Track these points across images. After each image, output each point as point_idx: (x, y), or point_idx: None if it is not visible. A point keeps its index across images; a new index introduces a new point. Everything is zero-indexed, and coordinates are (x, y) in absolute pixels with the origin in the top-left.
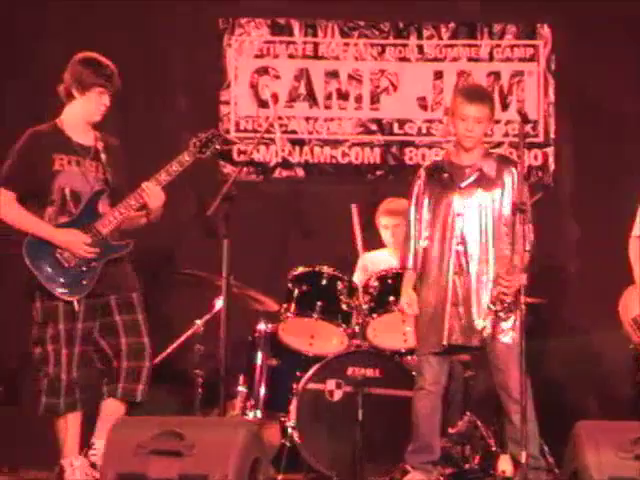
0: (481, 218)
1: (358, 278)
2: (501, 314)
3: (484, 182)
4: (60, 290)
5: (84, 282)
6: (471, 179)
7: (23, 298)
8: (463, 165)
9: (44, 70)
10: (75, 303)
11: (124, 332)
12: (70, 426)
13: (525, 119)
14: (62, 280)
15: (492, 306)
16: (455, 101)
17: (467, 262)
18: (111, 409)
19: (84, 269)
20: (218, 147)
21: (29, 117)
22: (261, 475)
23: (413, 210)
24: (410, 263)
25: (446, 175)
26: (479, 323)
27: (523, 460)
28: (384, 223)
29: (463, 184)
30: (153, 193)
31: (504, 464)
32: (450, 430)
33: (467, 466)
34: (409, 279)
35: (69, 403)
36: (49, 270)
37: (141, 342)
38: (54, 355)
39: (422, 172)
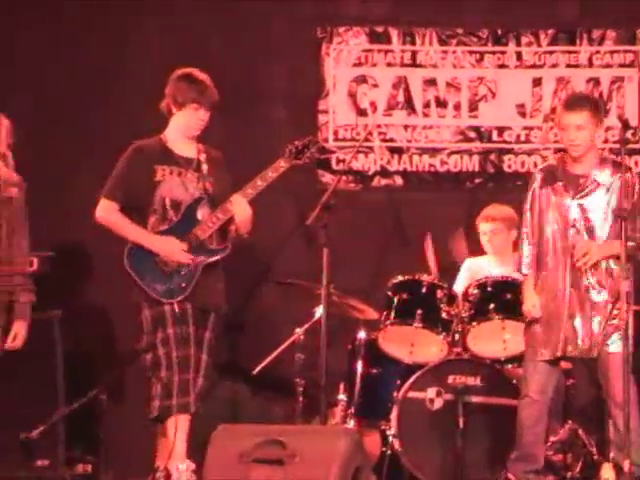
0: (595, 229)
1: (462, 284)
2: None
3: (598, 192)
4: (161, 293)
5: (183, 285)
6: (585, 191)
7: (132, 310)
8: (577, 174)
9: (148, 85)
10: (175, 305)
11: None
12: (179, 429)
13: (626, 125)
14: (163, 284)
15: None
16: (557, 112)
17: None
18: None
19: (183, 273)
20: (314, 153)
21: (135, 131)
22: None
23: (528, 215)
24: (527, 268)
25: (560, 184)
26: (594, 334)
27: (626, 468)
28: (482, 229)
29: (578, 196)
30: (239, 205)
31: (607, 472)
32: (552, 438)
33: (569, 474)
34: (530, 282)
35: (181, 404)
36: (150, 275)
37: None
38: (165, 358)
39: (537, 176)
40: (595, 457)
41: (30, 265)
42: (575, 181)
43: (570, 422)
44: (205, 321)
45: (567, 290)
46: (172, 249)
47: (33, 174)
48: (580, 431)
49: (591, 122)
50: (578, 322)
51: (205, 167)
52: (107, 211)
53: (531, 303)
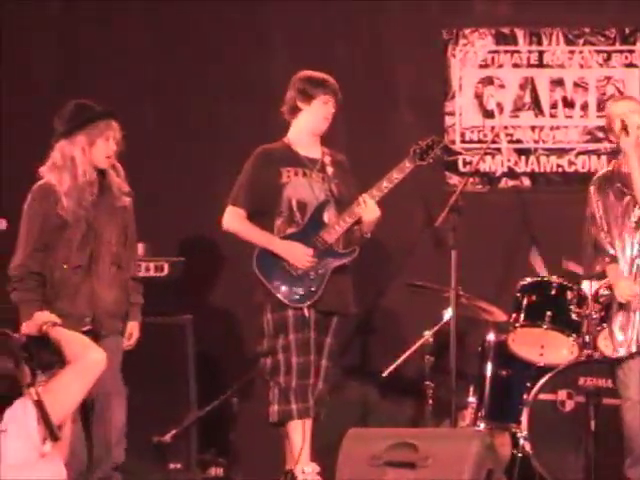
0: None
1: (592, 285)
2: None
3: None
4: (290, 298)
5: (312, 289)
6: None
7: (256, 312)
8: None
9: (268, 89)
10: (305, 310)
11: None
12: (302, 432)
13: None
14: (291, 288)
15: None
16: None
17: None
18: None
19: (312, 276)
20: (439, 153)
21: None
22: None
23: (589, 221)
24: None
25: (618, 185)
26: None
27: None
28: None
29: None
30: (368, 207)
31: None
32: None
33: None
34: (615, 269)
35: (301, 409)
36: (278, 279)
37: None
38: (285, 363)
39: (594, 182)
40: None
41: (161, 270)
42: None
43: None
44: (327, 326)
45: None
46: (297, 254)
47: (162, 179)
48: None
49: None
50: None
51: (330, 169)
52: (234, 218)
53: (628, 286)
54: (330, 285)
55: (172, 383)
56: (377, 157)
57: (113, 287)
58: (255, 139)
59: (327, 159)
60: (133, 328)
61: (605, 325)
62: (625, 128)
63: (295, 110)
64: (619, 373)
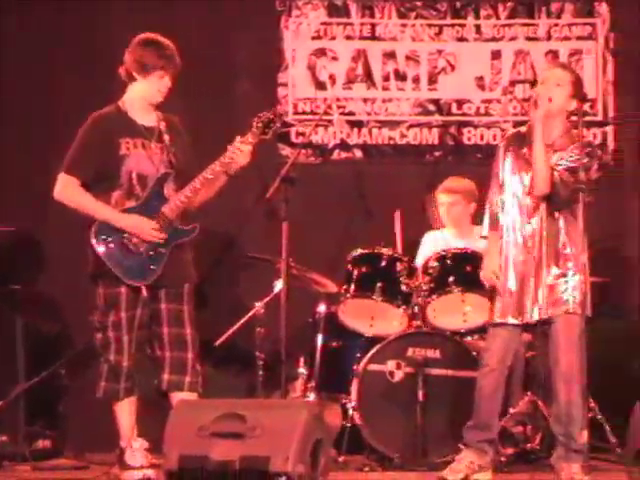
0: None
1: (422, 257)
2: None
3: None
4: (129, 275)
5: (152, 267)
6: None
7: (88, 284)
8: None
9: (107, 52)
10: (143, 289)
11: (167, 322)
12: (128, 410)
13: (584, 97)
14: (130, 266)
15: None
16: None
17: (540, 238)
18: None
19: (152, 254)
20: (278, 127)
21: (92, 100)
22: (323, 456)
23: (494, 179)
24: (487, 229)
25: (525, 150)
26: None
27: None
28: (441, 201)
29: None
30: (244, 150)
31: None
32: (511, 410)
33: (528, 446)
34: (490, 244)
35: (128, 388)
36: (117, 256)
37: (183, 333)
38: (115, 342)
39: (503, 142)
40: None
41: None
42: None
43: (530, 394)
44: (180, 296)
45: (530, 254)
46: (144, 229)
47: None
48: (540, 403)
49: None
50: (535, 288)
51: (167, 137)
52: (67, 187)
53: (491, 269)
54: (171, 263)
55: None
56: (213, 125)
57: None
58: (98, 107)
59: (162, 125)
60: None
61: (434, 297)
62: (535, 102)
63: (131, 77)
64: (487, 337)
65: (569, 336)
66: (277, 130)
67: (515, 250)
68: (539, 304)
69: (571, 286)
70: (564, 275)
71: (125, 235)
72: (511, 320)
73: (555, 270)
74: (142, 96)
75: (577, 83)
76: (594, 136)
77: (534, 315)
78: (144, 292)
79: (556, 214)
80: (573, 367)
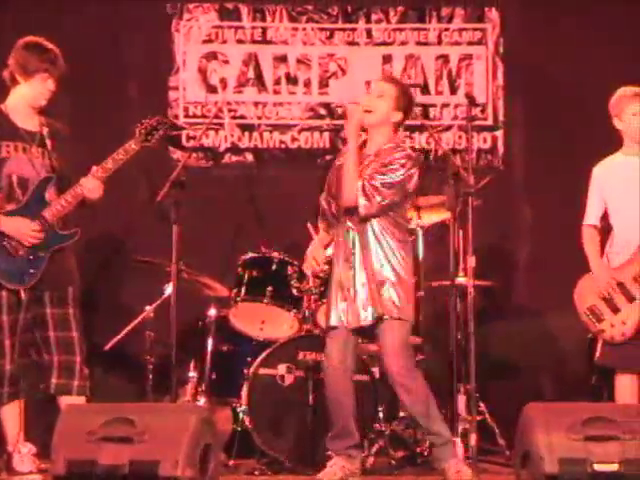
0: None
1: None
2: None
3: None
4: (8, 279)
5: (31, 271)
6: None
7: None
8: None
9: None
10: (22, 292)
11: (53, 326)
12: (14, 415)
13: (472, 102)
14: (9, 269)
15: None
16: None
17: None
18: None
19: (31, 258)
20: (162, 134)
21: None
22: (212, 461)
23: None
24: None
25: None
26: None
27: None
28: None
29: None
30: (91, 187)
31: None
32: (401, 413)
33: (418, 449)
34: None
35: (12, 393)
36: None
37: (70, 337)
38: None
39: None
40: None
41: None
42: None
43: None
44: (64, 300)
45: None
46: (23, 230)
47: None
48: None
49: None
50: (357, 293)
51: (49, 142)
52: None
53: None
54: (52, 267)
55: None
56: (102, 128)
57: None
58: None
59: (45, 131)
60: None
61: (325, 300)
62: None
63: (14, 80)
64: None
65: (393, 341)
66: (163, 137)
67: (340, 258)
68: (362, 309)
69: (391, 292)
70: (383, 283)
71: (5, 238)
72: (337, 323)
73: (375, 277)
74: (25, 99)
75: (402, 96)
76: (484, 140)
77: (360, 320)
78: (23, 296)
79: (374, 223)
80: (403, 370)
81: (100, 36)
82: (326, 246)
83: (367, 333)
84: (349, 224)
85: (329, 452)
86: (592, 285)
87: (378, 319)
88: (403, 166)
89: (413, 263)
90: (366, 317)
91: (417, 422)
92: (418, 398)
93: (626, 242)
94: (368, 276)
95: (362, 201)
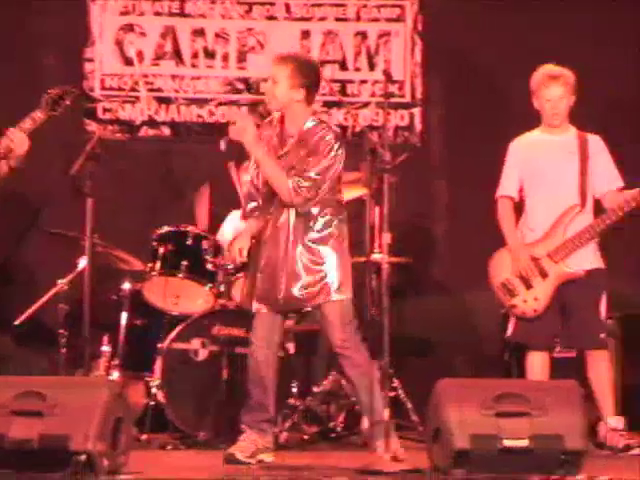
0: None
1: (227, 235)
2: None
3: None
4: None
5: None
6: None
7: None
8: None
9: None
10: None
11: None
12: None
13: (389, 79)
14: None
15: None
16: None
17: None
18: None
19: None
20: (68, 103)
21: None
22: (124, 435)
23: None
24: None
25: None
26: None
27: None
28: (244, 180)
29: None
30: (18, 139)
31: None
32: (315, 389)
33: (332, 424)
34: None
35: None
36: None
37: None
38: None
39: None
40: (357, 407)
41: None
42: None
43: (333, 373)
44: None
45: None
46: None
47: None
48: (343, 382)
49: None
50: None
51: None
52: None
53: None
54: None
55: None
56: (18, 99)
57: None
58: None
59: None
60: None
61: (240, 275)
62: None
63: None
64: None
65: (334, 317)
66: (69, 107)
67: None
68: (299, 289)
69: (329, 270)
70: (319, 262)
71: None
72: (266, 302)
73: (308, 256)
74: None
75: (297, 73)
76: (401, 117)
77: (299, 301)
78: None
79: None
80: (346, 343)
81: (17, 8)
82: (253, 237)
83: (298, 309)
84: (282, 204)
85: (242, 426)
86: (507, 260)
87: (317, 298)
88: (331, 148)
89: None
90: (302, 295)
91: (359, 397)
92: (362, 371)
93: (541, 219)
94: (304, 255)
95: (298, 200)
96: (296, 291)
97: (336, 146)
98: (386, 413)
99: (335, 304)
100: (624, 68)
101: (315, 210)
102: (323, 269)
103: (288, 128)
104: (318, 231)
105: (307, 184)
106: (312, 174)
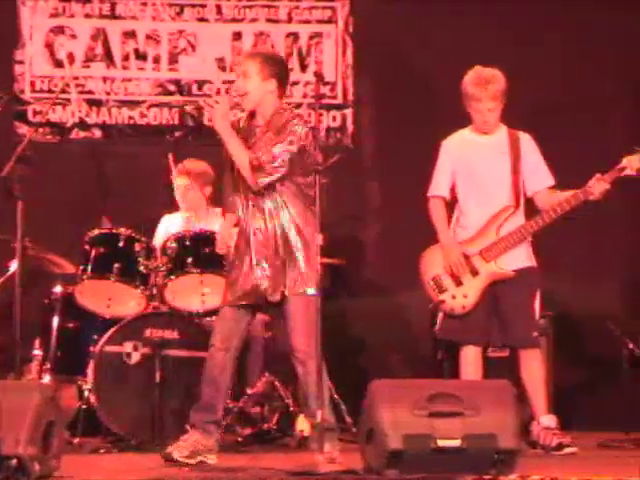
0: None
1: (160, 238)
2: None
3: None
4: None
5: None
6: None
7: None
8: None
9: None
10: None
11: None
12: None
13: (321, 80)
14: None
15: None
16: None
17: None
18: None
19: None
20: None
21: None
22: (56, 439)
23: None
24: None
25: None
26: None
27: (319, 419)
28: (177, 184)
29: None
30: None
31: (302, 424)
32: (249, 391)
33: (266, 426)
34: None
35: None
36: None
37: None
38: None
39: None
40: (291, 409)
41: None
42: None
43: (267, 375)
44: None
45: (252, 234)
46: None
47: None
48: (277, 383)
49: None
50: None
51: None
52: None
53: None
54: None
55: None
56: None
57: None
58: None
59: None
60: None
61: (173, 277)
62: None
63: None
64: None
65: (300, 316)
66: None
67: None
68: (267, 286)
69: (298, 268)
70: (287, 260)
71: None
72: (236, 302)
73: (280, 252)
74: None
75: (266, 65)
76: (333, 119)
77: (267, 296)
78: None
79: (276, 196)
80: (303, 346)
81: None
82: (235, 225)
83: (266, 308)
84: (250, 200)
85: (187, 426)
86: (438, 256)
87: (283, 295)
88: (296, 131)
89: None
90: (268, 290)
91: (307, 401)
92: (313, 377)
93: (474, 218)
94: (273, 252)
95: (260, 174)
96: (265, 288)
97: (300, 129)
98: (319, 415)
99: (300, 303)
100: (551, 69)
101: (282, 202)
102: (291, 265)
103: (257, 121)
104: (287, 226)
105: (266, 158)
106: (275, 150)
